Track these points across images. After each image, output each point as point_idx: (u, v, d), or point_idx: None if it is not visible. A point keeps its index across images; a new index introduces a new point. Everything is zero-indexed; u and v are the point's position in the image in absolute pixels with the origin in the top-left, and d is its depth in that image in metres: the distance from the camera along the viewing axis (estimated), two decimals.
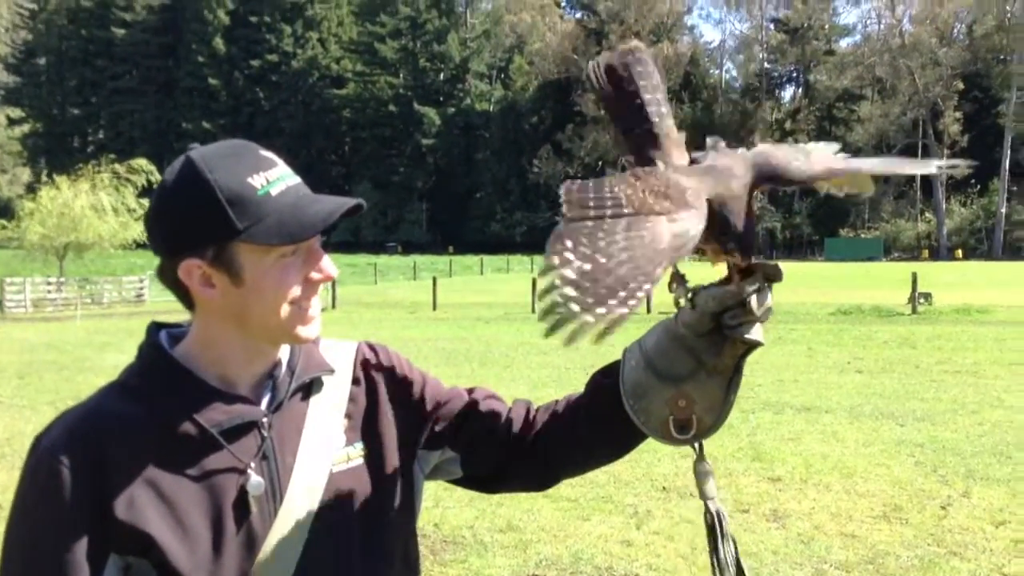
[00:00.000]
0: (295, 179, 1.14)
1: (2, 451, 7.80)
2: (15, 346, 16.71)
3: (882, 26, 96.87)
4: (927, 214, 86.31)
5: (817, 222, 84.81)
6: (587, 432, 1.28)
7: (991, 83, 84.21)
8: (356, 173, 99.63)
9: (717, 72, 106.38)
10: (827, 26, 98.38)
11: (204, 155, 1.11)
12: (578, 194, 1.02)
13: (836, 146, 1.17)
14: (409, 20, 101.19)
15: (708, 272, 1.18)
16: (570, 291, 0.90)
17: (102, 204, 30.52)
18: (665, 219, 0.99)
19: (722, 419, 1.18)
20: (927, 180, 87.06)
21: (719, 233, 1.07)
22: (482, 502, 5.84)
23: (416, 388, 1.32)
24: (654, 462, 6.73)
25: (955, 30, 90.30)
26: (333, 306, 25.81)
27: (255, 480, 1.12)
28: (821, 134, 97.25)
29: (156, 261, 1.15)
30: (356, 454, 1.22)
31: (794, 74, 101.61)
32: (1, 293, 27.86)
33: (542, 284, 0.92)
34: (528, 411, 1.35)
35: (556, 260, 0.93)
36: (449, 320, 22.12)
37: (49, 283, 30.18)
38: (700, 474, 1.22)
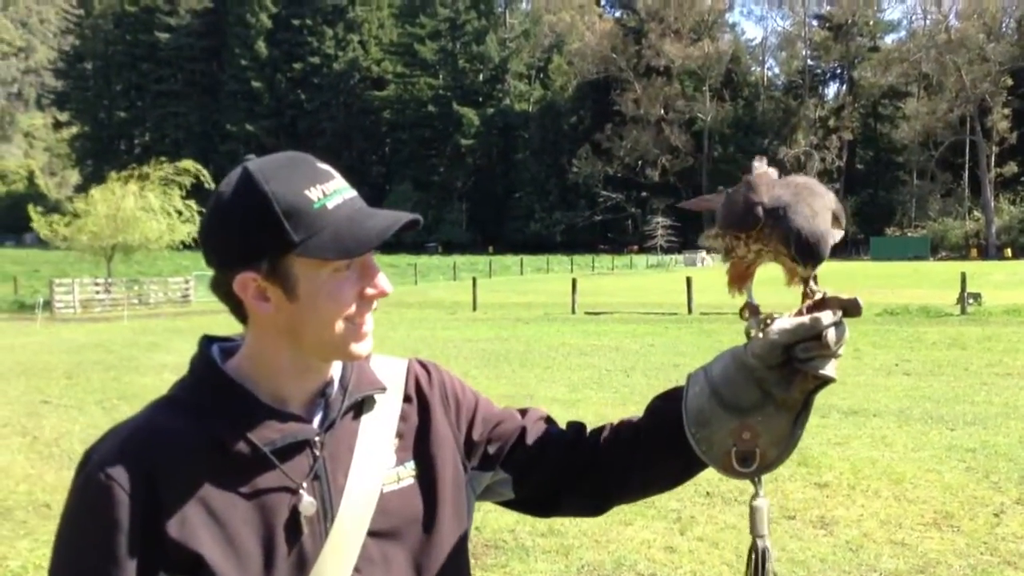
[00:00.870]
0: (351, 192, 1.13)
1: (50, 451, 7.88)
2: (63, 346, 17.03)
3: (928, 21, 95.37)
4: (975, 212, 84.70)
5: (863, 221, 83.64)
6: (645, 458, 1.25)
7: None
8: (396, 173, 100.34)
9: (759, 69, 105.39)
10: (871, 22, 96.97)
11: (261, 166, 1.09)
12: None
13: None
14: (448, 21, 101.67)
15: (777, 299, 1.16)
16: None
17: (151, 205, 31.06)
18: None
19: (786, 454, 1.15)
20: (975, 177, 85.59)
21: (795, 248, 1.07)
22: None
23: (468, 408, 1.30)
24: None
25: (1003, 24, 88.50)
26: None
27: (307, 500, 1.10)
28: (866, 131, 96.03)
29: (202, 262, 1.13)
30: (407, 474, 1.20)
31: (838, 71, 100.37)
32: (50, 294, 28.43)
33: None
34: (583, 434, 1.32)
35: None
36: (489, 320, 22.13)
37: (97, 284, 30.73)
38: (755, 510, 1.18)
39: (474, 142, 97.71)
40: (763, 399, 1.12)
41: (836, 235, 1.12)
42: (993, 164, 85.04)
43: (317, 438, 1.13)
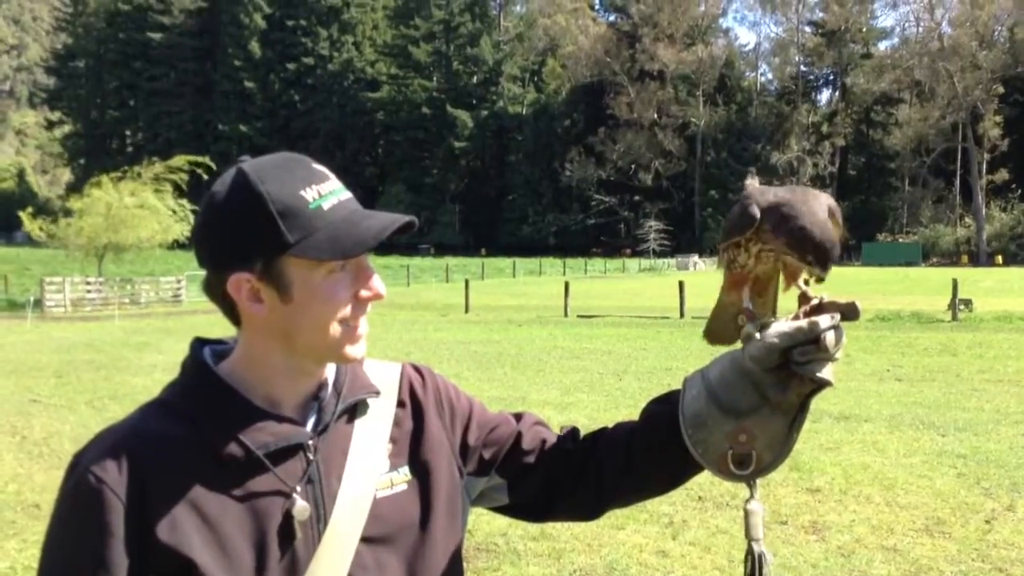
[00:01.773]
0: (347, 194, 1.11)
1: (40, 450, 7.83)
2: (54, 345, 16.94)
3: (920, 29, 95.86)
4: (966, 219, 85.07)
5: (855, 226, 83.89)
6: (641, 461, 1.24)
7: None
8: (390, 175, 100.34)
9: (752, 75, 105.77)
10: (864, 29, 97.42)
11: (256, 166, 1.08)
12: None
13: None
14: (443, 23, 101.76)
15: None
16: None
17: (150, 203, 30.88)
18: None
19: (782, 458, 1.15)
20: (967, 184, 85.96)
21: (799, 243, 1.09)
22: None
23: (463, 413, 1.29)
24: None
25: (995, 32, 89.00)
26: None
27: (301, 504, 1.08)
28: (858, 137, 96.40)
29: (193, 262, 1.12)
30: (400, 479, 1.19)
31: (831, 77, 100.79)
32: (40, 293, 28.28)
33: None
34: (577, 439, 1.31)
35: None
36: (481, 322, 22.13)
37: (88, 283, 30.58)
38: (750, 513, 1.18)
39: (467, 144, 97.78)
40: (760, 402, 1.12)
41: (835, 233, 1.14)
42: (984, 171, 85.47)
43: (311, 442, 1.12)
